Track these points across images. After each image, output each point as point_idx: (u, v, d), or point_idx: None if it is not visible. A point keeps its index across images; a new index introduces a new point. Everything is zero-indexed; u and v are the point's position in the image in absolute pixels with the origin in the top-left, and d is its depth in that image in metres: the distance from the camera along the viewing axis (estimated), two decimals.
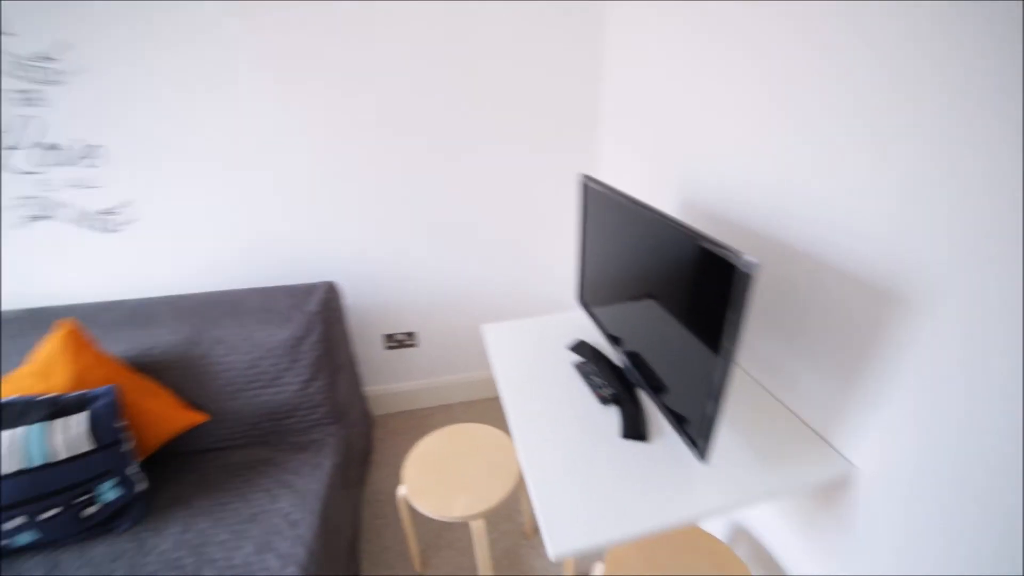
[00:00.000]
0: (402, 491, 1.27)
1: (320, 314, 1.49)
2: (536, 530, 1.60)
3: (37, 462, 1.05)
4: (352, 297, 1.86)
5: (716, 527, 1.33)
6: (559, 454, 0.93)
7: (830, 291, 0.87)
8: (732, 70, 1.04)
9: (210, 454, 1.40)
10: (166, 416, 1.31)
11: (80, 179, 1.49)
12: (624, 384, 1.10)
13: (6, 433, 1.05)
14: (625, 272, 1.08)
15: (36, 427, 1.07)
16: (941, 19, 0.63)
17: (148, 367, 1.36)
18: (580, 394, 1.10)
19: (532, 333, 1.36)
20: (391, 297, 1.90)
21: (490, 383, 2.20)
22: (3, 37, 1.28)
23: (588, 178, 1.21)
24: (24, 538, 1.07)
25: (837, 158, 0.81)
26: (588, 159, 1.84)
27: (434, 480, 1.26)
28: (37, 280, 1.60)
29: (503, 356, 1.26)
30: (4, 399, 1.10)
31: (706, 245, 0.75)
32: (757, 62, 0.97)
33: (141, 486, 1.20)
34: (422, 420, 2.10)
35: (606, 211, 1.14)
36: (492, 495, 1.21)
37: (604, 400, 1.06)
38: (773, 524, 1.10)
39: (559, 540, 0.76)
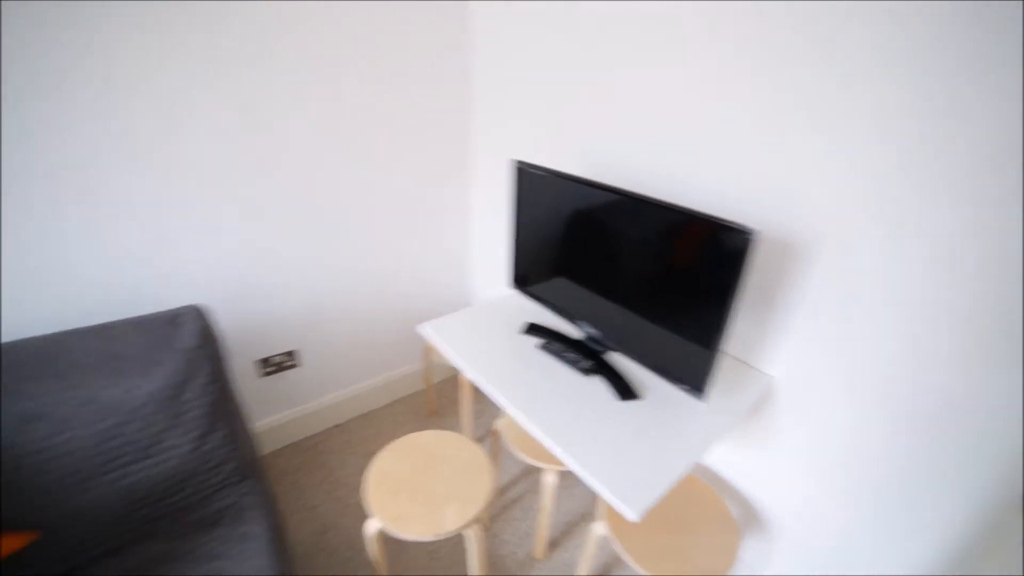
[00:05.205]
0: (374, 524, 1.12)
1: (202, 349, 1.15)
2: (493, 519, 1.57)
3: None
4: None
5: None
6: (582, 430, 0.98)
7: None
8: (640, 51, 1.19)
9: None
10: None
11: None
12: (589, 354, 1.19)
13: None
14: (580, 251, 1.16)
15: None
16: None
17: None
18: (559, 372, 1.15)
19: (479, 324, 1.33)
20: (262, 314, 1.56)
21: (383, 390, 2.02)
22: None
23: (523, 163, 1.23)
24: None
25: (741, 134, 1.04)
26: (464, 151, 1.83)
27: (407, 500, 1.15)
28: None
29: (464, 352, 1.21)
30: None
31: (702, 217, 0.88)
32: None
33: None
34: (314, 448, 1.81)
35: (546, 194, 1.20)
36: (477, 496, 1.16)
37: (586, 372, 1.13)
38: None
39: (634, 502, 0.82)
